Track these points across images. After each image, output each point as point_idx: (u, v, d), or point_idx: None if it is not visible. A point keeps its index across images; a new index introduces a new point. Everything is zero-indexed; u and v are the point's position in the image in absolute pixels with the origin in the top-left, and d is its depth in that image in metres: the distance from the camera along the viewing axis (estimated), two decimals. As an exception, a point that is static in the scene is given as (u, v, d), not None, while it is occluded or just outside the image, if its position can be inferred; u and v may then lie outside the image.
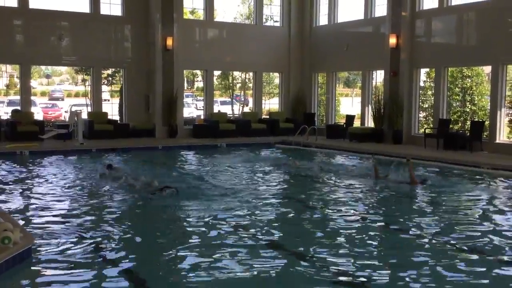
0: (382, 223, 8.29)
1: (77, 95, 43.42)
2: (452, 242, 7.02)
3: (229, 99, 29.70)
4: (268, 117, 21.85)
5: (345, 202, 9.58)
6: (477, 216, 8.67)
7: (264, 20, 22.15)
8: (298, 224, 8.12)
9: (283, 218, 8.57)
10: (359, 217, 8.39)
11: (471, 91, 19.36)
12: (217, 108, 24.69)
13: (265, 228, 7.66)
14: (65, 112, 28.84)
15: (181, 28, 19.42)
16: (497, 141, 15.44)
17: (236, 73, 27.39)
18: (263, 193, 10.08)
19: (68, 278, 5.61)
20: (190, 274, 5.77)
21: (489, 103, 16.37)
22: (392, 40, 17.74)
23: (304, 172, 12.82)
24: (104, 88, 22.60)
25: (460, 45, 16.92)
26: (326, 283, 5.54)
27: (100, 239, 6.98)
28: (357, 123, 20.17)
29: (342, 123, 20.18)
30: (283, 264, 6.19)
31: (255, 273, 5.80)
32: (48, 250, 6.38)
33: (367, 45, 19.37)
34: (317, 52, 21.42)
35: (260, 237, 7.19)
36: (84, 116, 18.66)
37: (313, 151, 16.87)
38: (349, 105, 31.59)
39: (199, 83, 29.37)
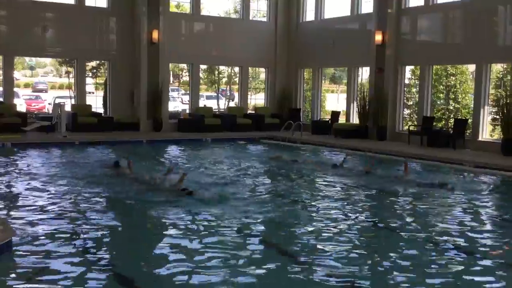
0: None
1: (61, 87, 42.92)
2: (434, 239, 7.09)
3: (215, 94, 29.62)
4: (253, 112, 21.84)
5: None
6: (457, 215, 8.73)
7: (253, 16, 22.09)
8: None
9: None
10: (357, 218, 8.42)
11: (455, 89, 19.56)
12: (202, 102, 24.62)
13: (263, 227, 7.52)
14: (49, 104, 28.54)
15: (167, 22, 19.30)
16: (480, 138, 15.60)
17: (222, 68, 27.31)
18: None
19: (49, 272, 5.54)
20: (176, 270, 5.72)
21: (473, 101, 16.52)
22: (378, 37, 17.81)
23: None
24: (89, 80, 22.42)
25: (445, 43, 17.04)
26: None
27: (83, 234, 6.91)
28: (342, 120, 20.25)
29: (328, 119, 20.26)
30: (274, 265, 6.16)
31: (246, 271, 5.75)
32: (29, 244, 6.30)
33: (353, 42, 19.42)
34: (303, 47, 21.43)
35: (254, 234, 7.09)
36: (68, 108, 18.50)
37: (299, 147, 16.89)
38: (335, 101, 31.63)
39: (185, 77, 29.23)
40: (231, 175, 11.39)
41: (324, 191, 10.16)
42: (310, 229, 7.33)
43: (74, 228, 7.13)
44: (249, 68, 22.45)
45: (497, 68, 17.95)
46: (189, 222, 7.57)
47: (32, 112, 24.34)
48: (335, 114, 19.99)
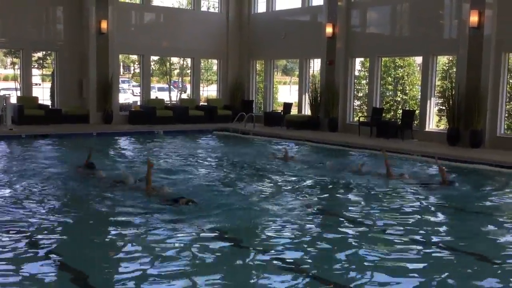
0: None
1: (6, 78, 41.51)
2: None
3: (167, 86, 29.31)
4: (206, 104, 21.74)
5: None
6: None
7: (202, 5, 21.85)
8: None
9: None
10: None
11: (403, 81, 20.05)
12: (154, 94, 24.31)
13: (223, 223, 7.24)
14: (-7, 96, 27.52)
15: (116, 11, 18.90)
16: (427, 129, 16.07)
17: (174, 59, 27.02)
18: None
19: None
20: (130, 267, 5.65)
21: (420, 93, 16.99)
22: (329, 29, 18.02)
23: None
24: (35, 71, 21.73)
25: (393, 35, 17.43)
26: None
27: (35, 230, 6.74)
28: (294, 111, 20.42)
29: (280, 111, 20.39)
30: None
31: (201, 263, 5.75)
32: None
33: (305, 34, 19.59)
34: (255, 39, 21.46)
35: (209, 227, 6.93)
36: (13, 100, 17.91)
37: (251, 138, 16.94)
38: (287, 92, 31.89)
39: (136, 69, 28.75)
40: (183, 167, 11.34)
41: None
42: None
43: (27, 227, 6.93)
44: (201, 59, 22.30)
45: (443, 60, 18.52)
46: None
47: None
48: (287, 106, 20.15)
